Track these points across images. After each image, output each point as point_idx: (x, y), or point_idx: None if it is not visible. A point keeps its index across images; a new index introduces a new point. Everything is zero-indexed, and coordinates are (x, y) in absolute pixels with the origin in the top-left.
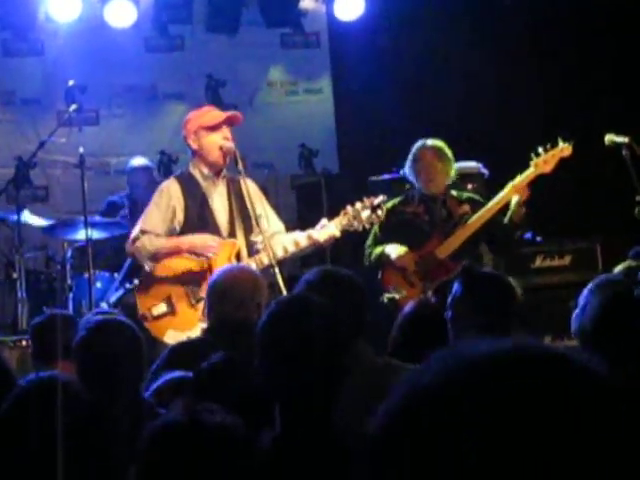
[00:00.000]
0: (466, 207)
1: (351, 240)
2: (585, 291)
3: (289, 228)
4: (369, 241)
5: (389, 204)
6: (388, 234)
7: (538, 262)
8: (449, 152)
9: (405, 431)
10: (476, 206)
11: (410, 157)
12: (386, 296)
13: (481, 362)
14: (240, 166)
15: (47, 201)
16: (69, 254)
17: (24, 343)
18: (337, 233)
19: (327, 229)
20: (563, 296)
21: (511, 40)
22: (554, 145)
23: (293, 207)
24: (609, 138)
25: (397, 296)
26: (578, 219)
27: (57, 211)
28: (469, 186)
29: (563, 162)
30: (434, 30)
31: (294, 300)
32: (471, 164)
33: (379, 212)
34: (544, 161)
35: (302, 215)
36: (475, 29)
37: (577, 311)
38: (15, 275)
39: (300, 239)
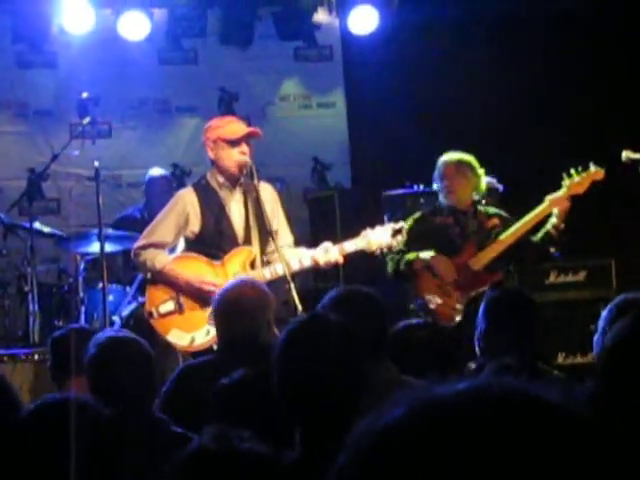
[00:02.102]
0: (495, 220)
1: (365, 256)
2: (605, 313)
3: (302, 242)
4: (395, 250)
5: (417, 214)
6: (416, 243)
7: (552, 278)
8: (474, 166)
9: (375, 471)
10: (504, 221)
11: (436, 171)
12: (418, 303)
13: (450, 402)
14: (255, 180)
15: (59, 214)
16: (82, 267)
17: (36, 357)
18: (340, 260)
19: (330, 255)
20: (577, 313)
21: (526, 53)
22: (585, 168)
23: (306, 221)
24: (626, 155)
25: (432, 305)
26: (593, 235)
27: (69, 224)
28: (483, 201)
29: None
30: (448, 44)
31: (312, 319)
32: (485, 179)
33: (399, 237)
34: (577, 183)
35: (315, 229)
36: (489, 42)
37: (597, 335)
38: (27, 288)
39: (304, 259)
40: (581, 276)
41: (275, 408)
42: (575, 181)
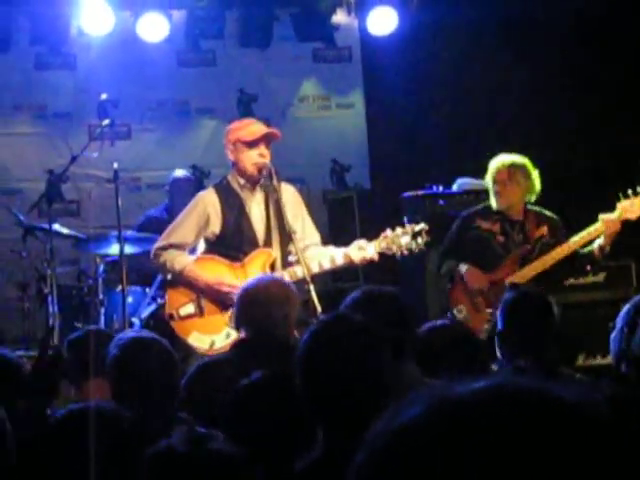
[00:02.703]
0: (544, 229)
1: (385, 257)
2: (622, 313)
3: (321, 243)
4: (442, 249)
5: (465, 212)
6: (460, 246)
7: (572, 279)
8: (528, 169)
9: (393, 469)
10: (554, 229)
11: (487, 172)
12: (449, 315)
13: (466, 400)
14: (275, 181)
15: (79, 215)
16: (101, 269)
17: None
18: (376, 257)
19: (365, 252)
20: (597, 313)
21: (546, 54)
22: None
23: (325, 222)
24: None
25: (459, 316)
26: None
27: (88, 226)
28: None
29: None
30: (467, 44)
31: (336, 319)
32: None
33: (419, 239)
34: (631, 205)
35: (334, 230)
36: (508, 44)
37: (615, 333)
38: (47, 290)
39: (336, 257)
40: (601, 277)
41: (292, 409)
42: (629, 202)
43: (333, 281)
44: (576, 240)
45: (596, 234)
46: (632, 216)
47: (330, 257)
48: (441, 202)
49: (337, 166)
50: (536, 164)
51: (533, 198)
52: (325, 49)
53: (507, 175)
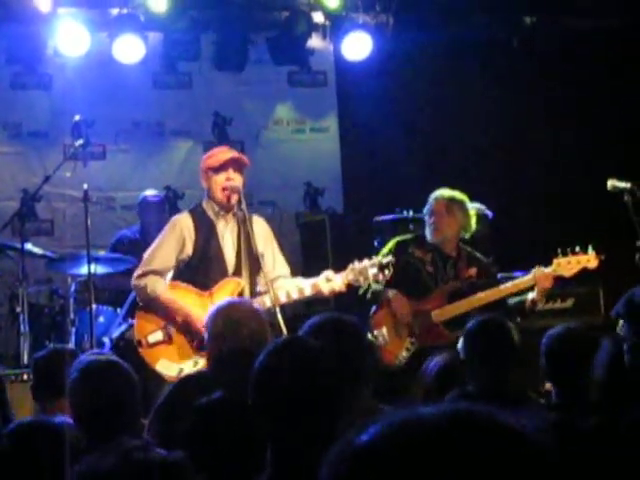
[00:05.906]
0: (473, 271)
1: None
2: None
3: (293, 266)
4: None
5: (400, 238)
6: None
7: (540, 305)
8: (466, 205)
9: None
10: (483, 271)
11: (427, 204)
12: (369, 336)
13: (426, 424)
14: (243, 206)
15: (53, 235)
16: (73, 288)
17: (25, 377)
18: (343, 289)
19: (334, 283)
20: None
21: (520, 81)
22: (583, 250)
23: (297, 245)
24: (611, 183)
25: (380, 341)
26: None
27: (62, 245)
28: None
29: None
30: (442, 71)
31: (291, 342)
32: (474, 205)
33: (386, 271)
34: (568, 262)
35: (306, 253)
36: (484, 70)
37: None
38: (19, 309)
39: (305, 288)
40: (569, 303)
41: (248, 430)
42: (566, 260)
43: (305, 305)
44: (507, 286)
45: (525, 285)
46: (567, 274)
47: (298, 288)
48: (411, 227)
49: (311, 189)
50: (512, 187)
51: (467, 235)
52: (300, 73)
53: (445, 208)
